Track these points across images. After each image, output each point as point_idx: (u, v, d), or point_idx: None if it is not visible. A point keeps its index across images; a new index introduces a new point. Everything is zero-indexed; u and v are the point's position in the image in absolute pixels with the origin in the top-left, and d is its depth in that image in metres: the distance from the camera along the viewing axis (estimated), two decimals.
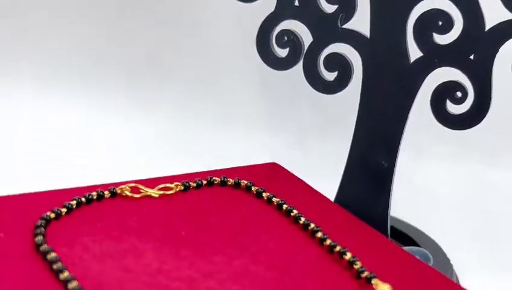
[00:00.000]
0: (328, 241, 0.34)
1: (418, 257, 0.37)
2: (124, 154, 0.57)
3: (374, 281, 0.31)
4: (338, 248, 0.33)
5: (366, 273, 0.31)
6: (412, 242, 0.49)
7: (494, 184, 0.60)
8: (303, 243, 0.34)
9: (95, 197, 0.35)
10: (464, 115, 0.41)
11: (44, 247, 0.30)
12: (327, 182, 0.48)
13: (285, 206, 0.37)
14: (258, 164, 0.43)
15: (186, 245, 0.33)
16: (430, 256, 0.46)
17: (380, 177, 0.46)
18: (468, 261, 0.50)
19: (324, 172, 0.51)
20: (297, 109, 0.63)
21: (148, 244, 0.32)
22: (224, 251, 0.33)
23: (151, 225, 0.34)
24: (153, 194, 0.37)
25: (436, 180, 0.61)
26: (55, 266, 0.29)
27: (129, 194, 0.36)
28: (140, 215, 0.35)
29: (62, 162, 0.53)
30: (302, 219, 0.36)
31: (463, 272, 0.48)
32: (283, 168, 0.43)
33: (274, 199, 0.37)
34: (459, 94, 0.41)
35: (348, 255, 0.33)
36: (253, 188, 0.38)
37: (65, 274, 0.28)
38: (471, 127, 0.42)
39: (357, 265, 0.32)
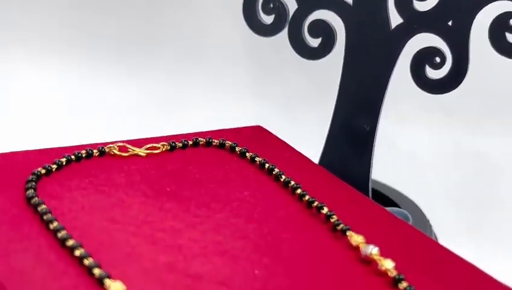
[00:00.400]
0: (307, 197, 0.35)
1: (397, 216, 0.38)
2: (113, 118, 0.58)
3: (348, 233, 0.33)
4: (316, 203, 0.35)
5: (341, 226, 0.33)
6: (393, 204, 0.51)
7: (475, 150, 0.62)
8: (283, 199, 0.36)
9: (84, 155, 0.37)
10: (442, 79, 0.43)
11: (35, 200, 0.32)
12: (312, 146, 0.50)
13: (267, 165, 0.38)
14: (243, 127, 0.44)
15: (170, 200, 0.34)
16: (409, 216, 0.48)
17: (362, 141, 0.47)
18: (447, 222, 0.52)
19: (309, 137, 0.53)
20: (283, 76, 0.64)
21: (135, 199, 0.34)
22: (207, 205, 0.34)
23: (137, 181, 0.36)
24: (140, 153, 0.38)
25: (419, 146, 0.62)
26: (45, 217, 0.31)
27: (117, 152, 0.38)
28: (127, 173, 0.36)
29: (54, 124, 0.55)
30: (283, 177, 0.37)
31: (442, 233, 0.50)
32: (267, 131, 0.45)
33: (257, 159, 0.39)
34: (437, 59, 0.42)
35: (325, 210, 0.34)
36: (237, 149, 0.40)
37: (54, 224, 0.30)
38: (449, 91, 0.43)
39: (333, 219, 0.34)
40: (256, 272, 0.29)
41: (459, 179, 0.58)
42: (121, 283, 0.27)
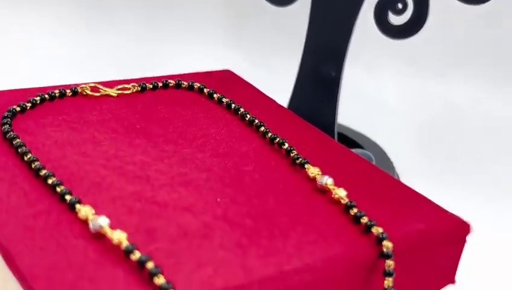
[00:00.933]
0: (270, 134, 0.37)
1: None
2: (86, 63, 0.59)
3: (306, 166, 0.35)
4: (278, 140, 0.37)
5: (300, 160, 0.35)
6: (358, 146, 0.53)
7: (438, 96, 0.64)
8: (247, 136, 0.38)
9: (57, 94, 0.38)
10: (404, 25, 0.44)
11: (10, 134, 0.33)
12: (281, 92, 0.52)
13: (233, 105, 0.40)
14: (213, 71, 0.46)
15: (140, 136, 0.36)
16: (373, 157, 0.50)
17: (329, 86, 0.49)
18: (410, 164, 0.54)
19: (279, 83, 0.54)
20: (254, 24, 0.65)
21: (106, 135, 0.36)
22: (175, 141, 0.36)
23: (108, 119, 0.37)
24: (111, 94, 0.40)
25: (385, 92, 0.64)
26: (20, 150, 0.32)
27: (89, 93, 0.39)
28: (99, 111, 0.38)
29: (29, 66, 0.56)
30: (248, 116, 0.39)
31: (404, 174, 0.52)
32: (236, 75, 0.46)
33: (224, 100, 0.41)
34: (399, 5, 0.44)
35: (286, 145, 0.36)
36: (205, 90, 0.42)
37: (29, 156, 0.32)
38: (410, 37, 0.45)
39: (293, 153, 0.36)
40: (218, 200, 0.31)
41: (423, 124, 0.60)
42: (90, 207, 0.29)
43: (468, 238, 0.33)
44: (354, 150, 0.48)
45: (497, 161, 0.59)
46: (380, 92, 0.64)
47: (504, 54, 0.65)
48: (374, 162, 0.50)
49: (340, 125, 0.54)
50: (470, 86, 0.63)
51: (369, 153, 0.50)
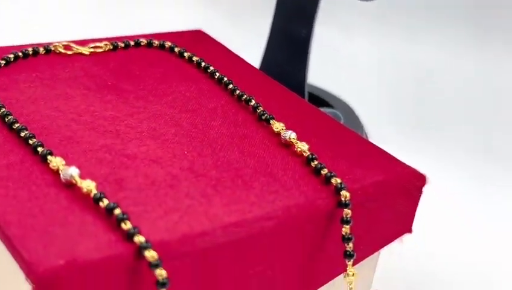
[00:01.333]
0: (238, 92, 0.39)
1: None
2: (60, 21, 0.60)
3: (272, 121, 0.36)
4: (245, 97, 0.38)
5: (266, 116, 0.36)
6: (328, 106, 0.54)
7: (411, 57, 0.65)
8: (216, 93, 0.39)
9: (31, 52, 0.39)
10: None
11: None
12: (253, 52, 0.53)
13: (203, 63, 0.41)
14: (184, 30, 0.47)
15: (111, 93, 0.37)
16: (341, 116, 0.52)
17: (299, 46, 0.51)
18: (380, 124, 0.56)
19: (251, 44, 0.55)
20: None
21: (77, 91, 0.37)
22: (145, 98, 0.37)
23: (81, 76, 0.38)
24: (84, 52, 0.41)
25: (358, 53, 0.65)
26: None
27: (62, 51, 0.40)
28: (71, 69, 0.39)
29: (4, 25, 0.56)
30: (217, 74, 0.40)
31: (373, 134, 0.54)
32: (208, 35, 0.47)
33: (194, 58, 0.42)
34: None
35: (253, 102, 0.38)
36: (176, 49, 0.43)
37: (2, 110, 0.33)
38: None
39: (260, 109, 0.37)
40: (186, 152, 0.33)
41: (394, 84, 0.62)
42: (61, 158, 0.30)
43: (425, 189, 0.35)
44: (322, 109, 0.50)
45: (464, 121, 0.61)
46: (352, 52, 0.65)
47: (476, 15, 0.67)
48: (342, 121, 0.52)
49: (311, 85, 0.56)
50: (442, 47, 0.64)
51: (337, 112, 0.52)
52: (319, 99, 0.55)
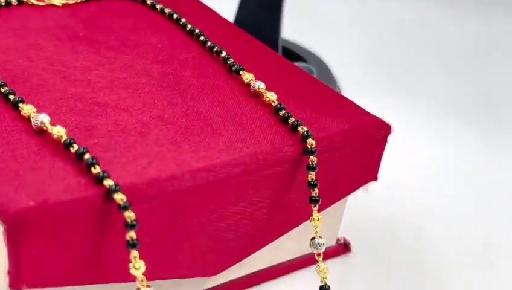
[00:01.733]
0: (209, 43, 0.39)
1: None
2: None
3: (242, 72, 0.37)
4: (216, 48, 0.39)
5: (236, 66, 0.37)
6: (301, 60, 0.55)
7: (385, 13, 0.65)
8: (187, 45, 0.39)
9: (3, 3, 0.39)
10: None
11: None
12: (228, 8, 0.53)
13: (175, 15, 0.42)
14: None
15: (83, 43, 0.38)
16: (313, 70, 0.52)
17: (273, 0, 0.51)
18: (353, 79, 0.57)
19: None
20: None
21: (49, 42, 0.37)
22: (117, 48, 0.38)
23: (53, 27, 0.39)
24: (56, 3, 0.41)
25: (333, 9, 0.66)
26: None
27: (35, 2, 0.40)
28: (44, 20, 0.39)
29: None
30: (189, 26, 0.41)
31: (347, 88, 0.55)
32: None
33: (166, 10, 0.42)
34: None
35: (224, 53, 0.38)
36: (148, 1, 0.43)
37: None
38: None
39: (230, 60, 0.38)
40: (156, 101, 0.34)
41: (369, 40, 0.62)
42: (33, 106, 0.30)
43: (390, 138, 0.36)
44: (296, 63, 0.50)
45: (436, 74, 0.62)
46: (327, 8, 0.65)
47: None
48: (315, 75, 0.52)
49: (286, 40, 0.56)
50: (416, 3, 0.65)
51: (310, 66, 0.52)
52: (293, 54, 0.55)
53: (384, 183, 0.39)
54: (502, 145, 0.53)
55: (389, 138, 0.36)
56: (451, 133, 0.53)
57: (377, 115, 0.36)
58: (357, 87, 0.55)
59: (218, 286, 0.35)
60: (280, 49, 0.52)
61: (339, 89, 0.53)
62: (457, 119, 0.55)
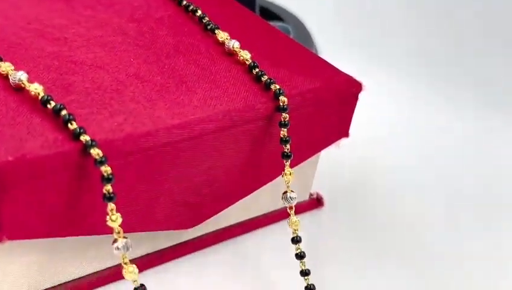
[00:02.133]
0: (184, 2, 0.40)
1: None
2: None
3: (216, 31, 0.37)
4: (191, 7, 0.39)
5: (211, 25, 0.38)
6: (279, 20, 0.55)
7: None
8: (163, 4, 0.40)
9: None
10: None
11: None
12: None
13: None
14: None
15: (60, 1, 0.38)
16: (290, 30, 0.53)
17: None
18: (331, 41, 0.57)
19: None
20: None
21: (26, 1, 0.37)
22: (93, 7, 0.38)
23: None
24: None
25: None
26: None
27: None
28: None
29: None
30: None
31: (324, 50, 0.55)
32: None
33: None
34: None
35: (199, 12, 0.39)
36: None
37: None
38: None
39: (206, 19, 0.38)
40: (132, 60, 0.34)
41: (351, 2, 0.63)
42: (10, 63, 0.31)
43: (360, 96, 0.37)
44: (272, 23, 0.51)
45: (413, 34, 0.63)
46: None
47: None
48: (291, 36, 0.53)
49: (265, 1, 0.57)
50: None
51: (287, 26, 0.53)
52: (271, 13, 0.56)
53: (356, 140, 0.40)
54: (473, 105, 0.54)
55: (361, 96, 0.37)
56: (422, 93, 0.54)
57: (354, 75, 0.37)
58: (335, 47, 0.56)
59: (194, 239, 0.37)
60: (257, 9, 0.53)
61: (316, 49, 0.54)
62: (429, 79, 0.56)
